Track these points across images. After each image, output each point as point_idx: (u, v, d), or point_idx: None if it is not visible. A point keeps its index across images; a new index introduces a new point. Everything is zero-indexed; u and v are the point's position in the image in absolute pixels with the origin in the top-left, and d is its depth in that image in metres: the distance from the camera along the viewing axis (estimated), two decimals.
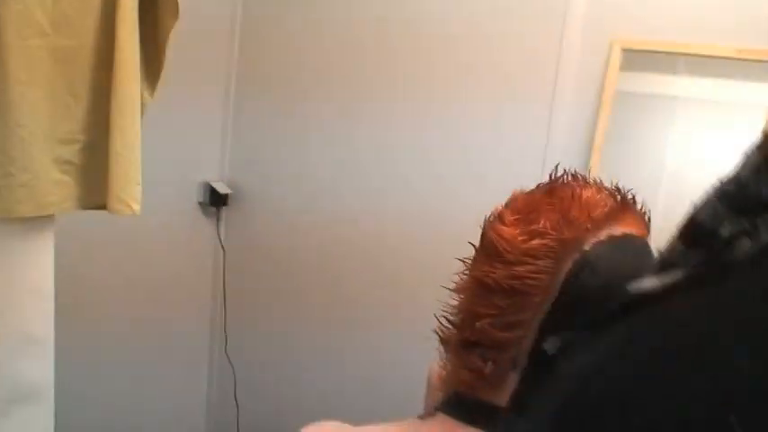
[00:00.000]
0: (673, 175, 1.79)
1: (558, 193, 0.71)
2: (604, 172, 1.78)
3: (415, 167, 2.18)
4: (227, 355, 2.48)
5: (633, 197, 0.73)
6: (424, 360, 2.29)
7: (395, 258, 2.23)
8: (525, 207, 0.72)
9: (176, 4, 1.44)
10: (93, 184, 1.43)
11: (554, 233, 0.67)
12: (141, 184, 1.44)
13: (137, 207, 1.43)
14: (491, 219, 0.75)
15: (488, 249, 0.71)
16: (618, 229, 0.68)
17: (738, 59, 1.69)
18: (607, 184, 0.75)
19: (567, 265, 0.66)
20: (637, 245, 0.70)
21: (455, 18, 2.08)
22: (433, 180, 2.15)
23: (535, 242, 0.67)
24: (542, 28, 1.95)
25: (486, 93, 2.04)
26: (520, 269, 0.67)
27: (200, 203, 2.47)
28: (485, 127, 2.05)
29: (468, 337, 0.72)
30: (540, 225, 0.68)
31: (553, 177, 0.76)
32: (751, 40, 1.69)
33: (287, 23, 2.37)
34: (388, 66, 2.21)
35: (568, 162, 1.80)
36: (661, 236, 0.62)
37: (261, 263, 2.49)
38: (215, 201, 2.48)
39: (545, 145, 1.95)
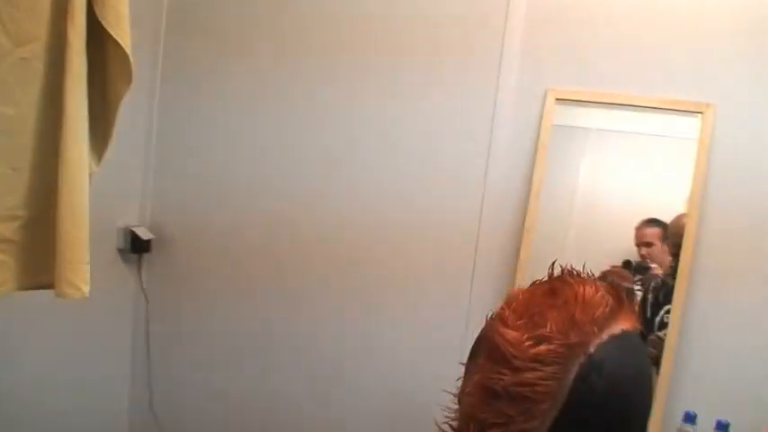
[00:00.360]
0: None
1: (559, 294, 0.72)
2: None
3: (350, 197, 2.16)
4: (153, 413, 2.35)
5: (626, 292, 0.75)
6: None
7: (332, 305, 2.20)
8: (528, 308, 0.71)
9: (130, 68, 1.35)
10: (37, 262, 1.32)
11: (561, 337, 0.67)
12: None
13: (86, 288, 1.33)
14: (492, 319, 0.74)
15: (494, 354, 0.70)
16: (617, 327, 0.70)
17: (667, 109, 1.80)
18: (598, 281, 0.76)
19: (574, 369, 0.67)
20: (633, 341, 0.72)
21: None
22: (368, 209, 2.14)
23: (542, 347, 0.67)
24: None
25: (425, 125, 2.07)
26: (529, 376, 0.66)
27: (119, 250, 2.33)
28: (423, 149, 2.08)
29: None
30: (547, 329, 0.67)
31: (551, 274, 0.77)
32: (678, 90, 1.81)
33: (209, 64, 2.29)
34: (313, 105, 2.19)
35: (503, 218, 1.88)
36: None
37: (188, 312, 2.38)
38: (136, 247, 2.35)
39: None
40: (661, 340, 1.81)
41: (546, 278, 0.78)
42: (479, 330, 0.80)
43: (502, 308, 0.74)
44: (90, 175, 1.36)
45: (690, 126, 1.77)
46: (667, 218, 1.84)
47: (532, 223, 1.90)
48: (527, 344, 0.67)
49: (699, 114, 1.76)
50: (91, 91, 1.32)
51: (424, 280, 2.08)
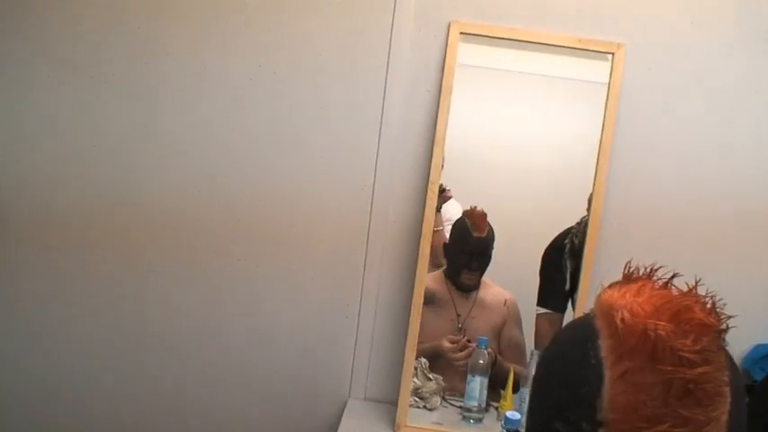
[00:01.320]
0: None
1: (667, 286, 0.68)
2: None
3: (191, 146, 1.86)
4: None
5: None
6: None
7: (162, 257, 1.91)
8: (658, 302, 0.64)
9: None
10: None
11: (712, 324, 0.63)
12: None
13: None
14: (632, 322, 0.64)
15: (655, 352, 0.61)
16: None
17: (578, 49, 1.69)
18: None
19: (726, 357, 0.64)
20: None
21: None
22: (222, 155, 1.86)
23: (706, 338, 0.62)
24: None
25: (320, 68, 1.81)
26: (709, 368, 0.61)
27: None
28: (316, 105, 1.82)
29: None
30: (699, 319, 0.62)
31: (639, 273, 0.71)
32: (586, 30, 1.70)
33: None
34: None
35: (406, 150, 1.69)
36: None
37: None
38: None
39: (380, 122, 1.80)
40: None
41: (628, 278, 0.71)
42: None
43: (632, 311, 0.64)
44: None
45: (600, 69, 1.68)
46: (578, 163, 1.74)
47: (437, 177, 1.72)
48: (692, 337, 0.61)
49: (610, 55, 1.67)
50: None
51: (316, 243, 1.85)
